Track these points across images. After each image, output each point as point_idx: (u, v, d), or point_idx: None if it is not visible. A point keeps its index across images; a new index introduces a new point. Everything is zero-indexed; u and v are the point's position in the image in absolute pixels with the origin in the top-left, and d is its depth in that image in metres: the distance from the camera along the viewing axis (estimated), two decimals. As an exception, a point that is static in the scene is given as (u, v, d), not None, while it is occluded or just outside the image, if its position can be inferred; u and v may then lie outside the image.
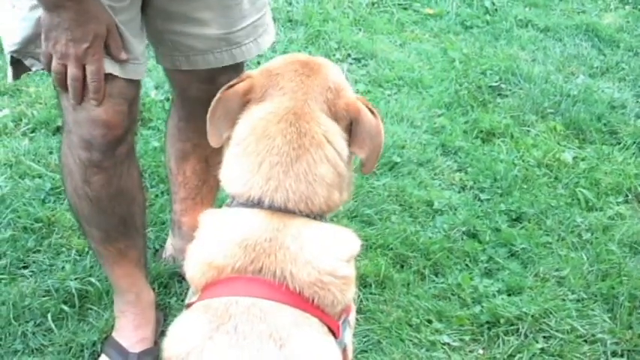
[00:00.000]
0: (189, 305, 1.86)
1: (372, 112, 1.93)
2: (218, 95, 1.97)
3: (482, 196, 3.76)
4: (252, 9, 2.62)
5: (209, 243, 1.88)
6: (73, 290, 3.02)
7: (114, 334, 2.82)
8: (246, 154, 1.89)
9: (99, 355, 2.82)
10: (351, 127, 1.93)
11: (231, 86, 1.96)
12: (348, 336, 1.93)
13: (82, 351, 2.86)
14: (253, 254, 1.80)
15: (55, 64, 2.24)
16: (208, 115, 1.97)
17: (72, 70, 2.23)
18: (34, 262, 3.20)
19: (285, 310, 1.76)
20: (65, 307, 2.98)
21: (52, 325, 2.92)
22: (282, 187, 1.85)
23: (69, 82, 2.25)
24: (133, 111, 2.47)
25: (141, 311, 2.81)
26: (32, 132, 3.94)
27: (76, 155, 2.45)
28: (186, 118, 2.91)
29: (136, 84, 2.46)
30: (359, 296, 3.12)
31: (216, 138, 1.99)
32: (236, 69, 2.60)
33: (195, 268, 1.88)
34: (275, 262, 1.79)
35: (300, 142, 1.86)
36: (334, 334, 1.85)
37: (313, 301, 1.80)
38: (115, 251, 2.69)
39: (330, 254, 1.84)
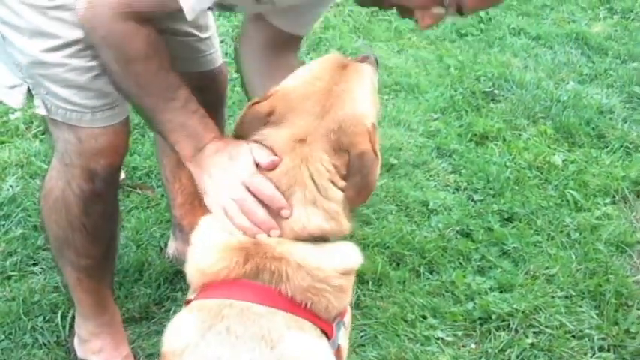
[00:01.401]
0: (187, 302, 1.86)
1: (375, 153, 1.87)
2: (245, 110, 1.95)
3: (476, 197, 3.75)
4: (209, 23, 2.73)
5: (204, 249, 1.86)
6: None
7: (93, 359, 2.74)
8: None
9: None
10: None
11: (257, 102, 1.93)
12: (342, 336, 1.91)
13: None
14: (248, 253, 1.79)
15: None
16: (235, 127, 1.97)
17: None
18: (43, 260, 3.20)
19: (278, 313, 1.75)
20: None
21: (59, 323, 2.91)
22: None
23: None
24: (128, 132, 2.43)
25: (116, 330, 2.75)
26: (43, 134, 3.94)
27: (77, 187, 2.39)
28: None
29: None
30: (356, 292, 3.11)
31: None
32: (209, 74, 2.60)
33: (192, 273, 1.88)
34: (271, 262, 1.78)
35: (291, 182, 1.83)
36: (327, 336, 1.84)
37: (306, 305, 1.79)
38: (97, 277, 2.63)
39: (324, 263, 1.82)
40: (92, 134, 2.29)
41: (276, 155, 1.85)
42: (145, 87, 2.02)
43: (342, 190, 1.85)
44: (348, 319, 1.97)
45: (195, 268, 1.85)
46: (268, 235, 1.83)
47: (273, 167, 1.84)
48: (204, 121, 2.03)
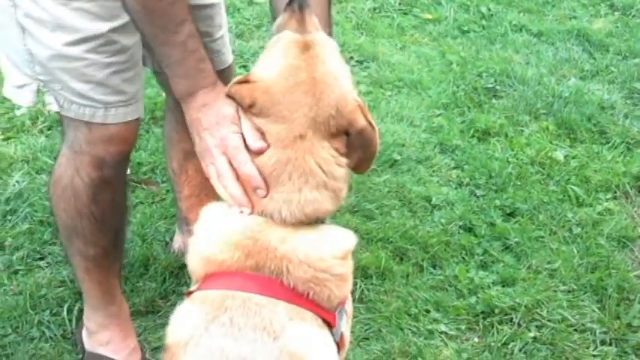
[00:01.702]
0: (189, 294, 1.85)
1: (371, 125, 1.86)
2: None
3: (478, 192, 3.75)
4: (222, 21, 2.73)
5: (207, 238, 1.85)
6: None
7: (101, 351, 2.72)
8: None
9: None
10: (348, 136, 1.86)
11: (234, 90, 1.90)
12: (344, 324, 1.91)
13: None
14: (249, 251, 1.78)
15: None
16: None
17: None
18: (49, 254, 3.20)
19: (280, 304, 1.74)
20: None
21: (66, 317, 2.92)
22: (277, 208, 1.81)
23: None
24: (138, 125, 2.44)
25: (124, 322, 2.74)
26: (49, 129, 3.94)
27: (85, 175, 2.39)
28: (184, 122, 2.88)
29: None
30: (360, 287, 3.11)
31: None
32: (221, 74, 2.59)
33: (195, 262, 1.86)
34: (272, 260, 1.77)
35: (299, 171, 1.80)
36: (330, 325, 1.84)
37: (308, 295, 1.78)
38: (105, 266, 2.62)
39: (324, 252, 1.81)
40: (103, 127, 2.30)
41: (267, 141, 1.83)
42: (150, 12, 1.98)
43: (346, 165, 1.86)
44: (349, 307, 1.97)
45: (200, 257, 1.84)
46: (241, 212, 1.83)
47: (260, 152, 1.83)
48: (201, 66, 2.01)
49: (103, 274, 2.63)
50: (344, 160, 1.85)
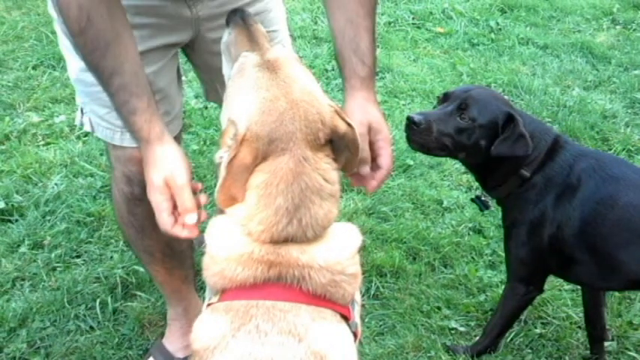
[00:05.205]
0: (209, 305, 1.79)
1: (349, 125, 1.82)
2: (225, 171, 1.74)
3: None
4: None
5: (228, 260, 1.76)
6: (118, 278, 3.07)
7: (163, 340, 2.78)
8: (262, 204, 1.76)
9: (147, 353, 2.79)
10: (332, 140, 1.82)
11: (234, 157, 1.74)
12: (357, 314, 1.89)
13: (125, 334, 2.89)
14: (272, 262, 1.73)
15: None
16: (219, 187, 1.77)
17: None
18: (85, 252, 3.21)
19: (301, 308, 1.71)
20: (117, 291, 3.04)
21: (98, 311, 2.94)
22: (286, 232, 1.75)
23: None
24: None
25: (188, 322, 2.68)
26: (85, 136, 3.94)
27: (120, 189, 2.39)
28: None
29: None
30: (375, 284, 3.10)
31: (228, 202, 1.79)
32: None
33: (215, 280, 1.78)
34: (294, 269, 1.73)
35: (302, 196, 1.74)
36: (347, 318, 1.82)
37: (325, 296, 1.75)
38: (162, 271, 2.61)
39: (340, 256, 1.78)
40: (122, 148, 2.29)
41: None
42: (87, 64, 1.96)
43: (337, 168, 1.83)
44: (357, 295, 1.94)
45: (221, 276, 1.76)
46: None
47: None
48: (131, 119, 1.93)
49: (162, 276, 2.63)
50: (335, 164, 1.82)
